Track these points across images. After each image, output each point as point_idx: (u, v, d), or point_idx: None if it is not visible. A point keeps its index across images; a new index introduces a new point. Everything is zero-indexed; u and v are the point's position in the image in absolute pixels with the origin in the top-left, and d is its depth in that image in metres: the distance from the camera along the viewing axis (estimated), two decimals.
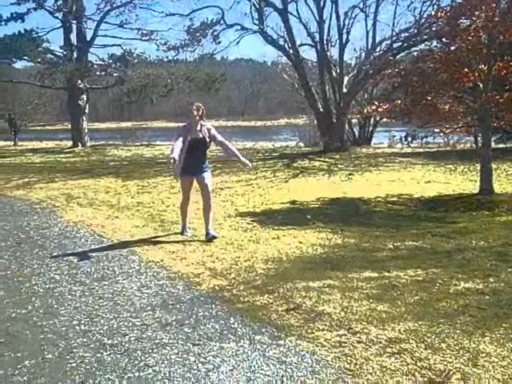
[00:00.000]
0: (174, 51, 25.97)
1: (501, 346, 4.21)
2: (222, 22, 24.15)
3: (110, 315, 5.18)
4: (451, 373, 3.84)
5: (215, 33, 24.50)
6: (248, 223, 9.31)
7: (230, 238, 8.25)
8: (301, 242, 7.82)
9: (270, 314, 5.09)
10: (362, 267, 6.43)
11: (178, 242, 8.07)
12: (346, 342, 4.44)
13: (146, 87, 28.85)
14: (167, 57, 27.19)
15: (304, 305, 5.28)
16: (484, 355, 4.08)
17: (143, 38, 28.37)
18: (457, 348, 4.23)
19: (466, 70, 10.92)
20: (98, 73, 29.99)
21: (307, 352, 4.31)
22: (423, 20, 21.45)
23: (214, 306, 5.37)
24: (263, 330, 4.74)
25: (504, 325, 4.55)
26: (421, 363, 4.02)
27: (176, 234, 8.60)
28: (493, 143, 21.41)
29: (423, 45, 19.66)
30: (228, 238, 8.20)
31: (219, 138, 8.36)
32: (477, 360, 4.02)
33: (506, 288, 5.49)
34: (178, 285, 6.06)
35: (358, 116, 25.89)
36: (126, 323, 4.98)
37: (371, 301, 5.30)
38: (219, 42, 25.12)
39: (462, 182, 13.11)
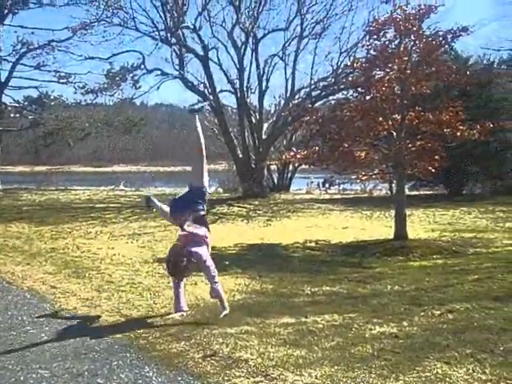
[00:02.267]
0: (93, 95, 25.63)
1: None
2: (142, 66, 24.15)
3: (18, 367, 4.92)
4: None
5: (135, 77, 24.46)
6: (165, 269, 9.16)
7: (147, 284, 8.09)
8: None
9: (187, 362, 4.98)
10: (279, 313, 6.41)
11: (93, 289, 7.82)
12: None
13: (62, 130, 28.30)
14: (85, 100, 26.77)
15: (221, 351, 5.20)
16: None
17: (61, 81, 27.90)
18: None
19: (380, 118, 11.33)
20: (12, 115, 29.21)
21: None
22: (340, 70, 22.23)
23: (128, 354, 5.21)
24: (179, 379, 4.62)
25: (417, 368, 4.62)
26: None
27: (90, 278, 8.34)
28: (407, 190, 22.23)
29: (340, 93, 20.36)
30: (145, 284, 8.04)
31: None
32: None
33: (419, 331, 5.59)
34: (92, 333, 5.84)
35: (277, 162, 26.28)
36: (34, 375, 4.74)
37: (288, 346, 5.28)
38: (139, 87, 25.06)
39: (377, 227, 13.43)
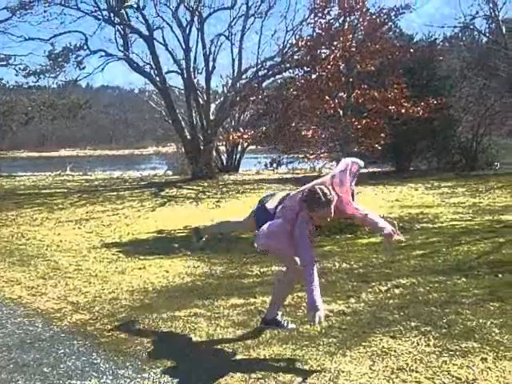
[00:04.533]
0: (35, 77, 24.97)
1: (360, 365, 4.32)
2: (85, 47, 23.63)
3: None
4: None
5: (78, 58, 23.91)
6: (113, 254, 9.07)
7: (95, 269, 7.99)
8: (167, 272, 7.71)
9: (135, 347, 4.93)
10: (228, 294, 6.42)
11: (38, 277, 7.67)
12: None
13: (3, 115, 27.54)
14: (27, 83, 26.07)
15: (169, 335, 5.18)
16: (344, 374, 4.17)
17: (0, 63, 27.11)
18: (319, 369, 4.29)
19: (326, 97, 11.35)
20: None
21: (172, 383, 4.21)
22: (286, 49, 22.21)
23: (75, 342, 5.13)
24: (127, 364, 4.57)
25: (363, 343, 4.69)
26: None
27: (35, 266, 8.18)
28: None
29: (287, 72, 20.35)
30: (92, 270, 7.94)
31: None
32: (337, 379, 4.09)
33: (366, 308, 5.67)
34: (37, 322, 5.74)
35: (225, 143, 26.23)
36: None
37: (237, 327, 5.29)
38: (83, 68, 24.51)
39: None
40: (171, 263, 8.24)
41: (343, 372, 4.22)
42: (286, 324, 5.22)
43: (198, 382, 4.22)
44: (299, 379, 4.15)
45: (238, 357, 4.62)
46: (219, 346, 4.86)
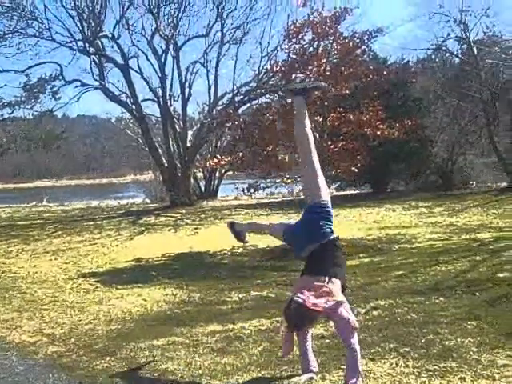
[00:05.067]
0: (10, 108, 24.79)
1: None
2: (60, 77, 23.55)
3: None
4: None
5: (54, 89, 23.79)
6: (90, 284, 8.97)
7: (71, 301, 7.88)
8: (145, 300, 7.64)
9: (112, 378, 4.85)
10: (207, 321, 6.36)
11: (13, 310, 7.54)
12: None
13: None
14: (2, 115, 25.86)
15: (147, 365, 5.10)
16: None
17: None
18: None
19: None
20: None
21: None
22: (262, 74, 22.35)
23: (51, 374, 5.03)
24: None
25: (342, 366, 4.64)
26: None
27: (10, 299, 8.05)
28: (333, 191, 22.52)
29: (264, 98, 20.45)
30: (69, 302, 7.83)
31: None
32: None
33: None
34: (12, 355, 5.62)
35: (203, 169, 26.19)
36: None
37: (215, 354, 5.24)
38: (59, 98, 24.37)
39: None
40: (149, 291, 8.16)
41: None
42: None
43: None
44: None
45: (216, 383, 4.56)
46: (197, 373, 4.79)
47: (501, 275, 7.50)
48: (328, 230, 4.55)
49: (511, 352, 4.69)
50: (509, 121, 22.09)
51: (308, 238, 4.53)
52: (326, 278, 4.30)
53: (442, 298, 6.55)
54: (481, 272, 7.79)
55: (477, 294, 6.64)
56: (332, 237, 4.56)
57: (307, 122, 4.85)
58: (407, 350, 4.93)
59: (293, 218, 15.98)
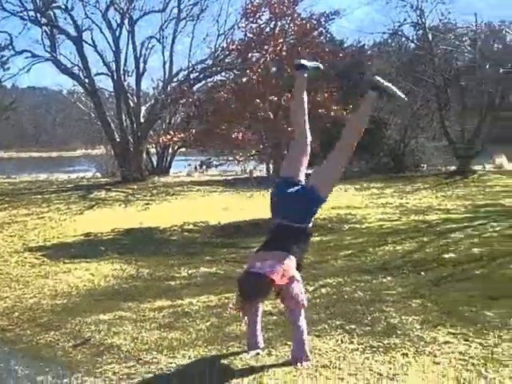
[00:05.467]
0: None
1: (285, 363, 4.30)
2: (10, 47, 22.92)
3: None
4: None
5: (3, 59, 23.16)
6: (37, 258, 8.82)
7: (16, 274, 7.75)
8: (93, 275, 7.55)
9: (56, 352, 4.79)
10: (155, 296, 6.32)
11: None
12: (134, 374, 4.27)
13: None
14: None
15: (93, 339, 5.04)
16: (269, 373, 4.13)
17: None
18: (243, 368, 4.25)
19: (257, 100, 11.37)
20: None
21: None
22: (218, 52, 22.20)
23: None
24: (47, 370, 4.42)
25: (289, 342, 4.68)
26: None
27: None
28: None
29: (219, 76, 20.34)
30: (13, 275, 7.70)
31: None
32: (261, 379, 4.05)
33: None
34: None
35: (156, 145, 25.94)
36: None
37: (162, 330, 5.20)
38: (8, 69, 23.76)
39: (256, 207, 13.48)
40: (98, 266, 8.07)
41: (267, 371, 4.19)
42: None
43: None
44: (224, 379, 4.10)
45: (162, 359, 4.53)
46: (144, 348, 4.76)
47: (446, 256, 7.66)
48: (311, 220, 4.55)
49: (453, 329, 4.78)
50: (459, 107, 22.45)
51: (292, 212, 4.46)
52: (283, 254, 4.30)
53: (388, 277, 6.65)
54: (427, 252, 7.94)
55: (422, 273, 6.77)
56: (309, 226, 4.54)
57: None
58: (353, 327, 4.99)
59: (245, 196, 16.03)
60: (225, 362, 4.42)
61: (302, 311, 4.29)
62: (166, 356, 4.58)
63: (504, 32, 23.88)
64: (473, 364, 4.11)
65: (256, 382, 4.04)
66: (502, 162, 23.15)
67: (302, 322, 4.26)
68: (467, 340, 4.56)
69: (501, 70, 19.46)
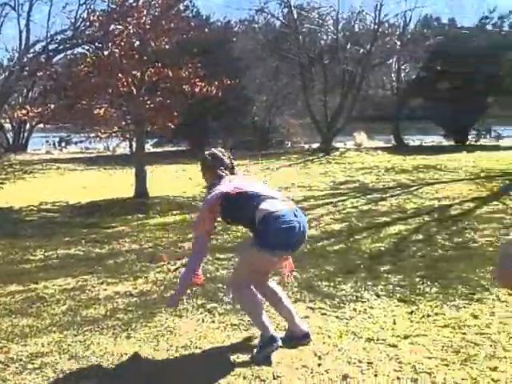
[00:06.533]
0: None
1: (144, 345, 4.17)
2: None
3: None
4: None
5: None
6: None
7: None
8: None
9: None
10: (6, 281, 5.93)
11: None
12: None
13: None
14: None
15: None
16: (127, 356, 4.01)
17: None
18: (101, 353, 4.08)
19: (119, 75, 11.02)
20: None
21: None
22: (78, 23, 21.26)
23: None
24: None
25: (149, 324, 4.56)
26: (62, 375, 3.81)
27: None
28: (151, 147, 22.23)
29: (80, 48, 19.51)
30: None
31: None
32: (119, 363, 3.92)
33: (154, 288, 5.55)
34: None
35: (11, 120, 24.64)
36: None
37: (14, 316, 4.89)
38: None
39: (119, 186, 13.19)
40: None
41: (126, 355, 4.06)
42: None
43: None
44: (79, 366, 3.92)
45: (13, 347, 4.25)
46: None
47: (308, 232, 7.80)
48: None
49: (311, 304, 4.88)
50: (323, 85, 23.07)
51: None
52: None
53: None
54: None
55: None
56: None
57: None
58: (214, 305, 4.95)
59: (107, 174, 15.58)
60: (81, 347, 4.22)
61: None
62: (17, 344, 4.31)
63: (365, 13, 24.74)
64: (329, 337, 4.20)
65: (114, 366, 3.90)
66: (362, 140, 24.12)
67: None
68: (324, 314, 4.67)
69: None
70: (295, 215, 4.06)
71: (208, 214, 4.10)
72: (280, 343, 3.90)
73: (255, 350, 3.96)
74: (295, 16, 22.09)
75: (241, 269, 4.23)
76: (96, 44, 14.53)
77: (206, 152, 4.53)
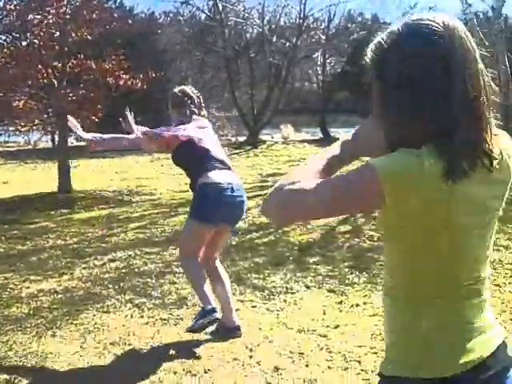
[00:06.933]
0: None
1: (70, 344, 4.07)
2: None
3: None
4: None
5: None
6: None
7: None
8: None
9: None
10: None
11: None
12: None
13: None
14: None
15: None
16: (52, 355, 3.89)
17: None
18: (24, 353, 3.94)
19: (39, 66, 10.71)
20: None
21: None
22: None
23: None
24: None
25: (75, 321, 4.45)
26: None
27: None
28: (74, 141, 21.73)
29: None
30: None
31: None
32: (44, 362, 3.80)
33: (80, 284, 5.42)
34: None
35: None
36: None
37: None
38: None
39: (42, 180, 12.81)
40: None
41: (51, 354, 3.93)
42: None
43: None
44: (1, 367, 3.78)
45: None
46: None
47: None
48: None
49: (241, 297, 4.87)
50: (249, 79, 23.14)
51: None
52: None
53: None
54: None
55: None
56: None
57: None
58: (143, 300, 4.87)
59: (29, 168, 15.11)
60: (3, 347, 4.07)
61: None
62: None
63: (290, 7, 24.92)
64: (260, 329, 4.20)
65: (38, 366, 3.77)
66: (289, 133, 24.28)
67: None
68: (255, 306, 4.67)
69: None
70: (235, 189, 4.04)
71: (166, 139, 4.05)
72: (218, 316, 3.90)
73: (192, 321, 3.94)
74: (220, 9, 22.01)
75: (184, 238, 4.30)
76: (13, 34, 14.05)
77: (176, 88, 4.40)
